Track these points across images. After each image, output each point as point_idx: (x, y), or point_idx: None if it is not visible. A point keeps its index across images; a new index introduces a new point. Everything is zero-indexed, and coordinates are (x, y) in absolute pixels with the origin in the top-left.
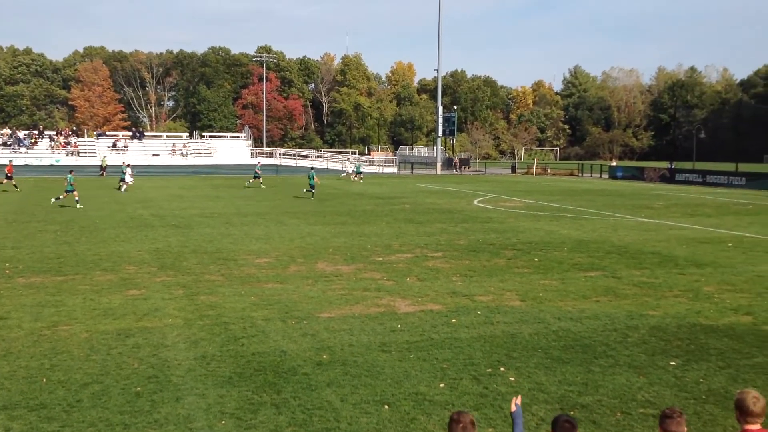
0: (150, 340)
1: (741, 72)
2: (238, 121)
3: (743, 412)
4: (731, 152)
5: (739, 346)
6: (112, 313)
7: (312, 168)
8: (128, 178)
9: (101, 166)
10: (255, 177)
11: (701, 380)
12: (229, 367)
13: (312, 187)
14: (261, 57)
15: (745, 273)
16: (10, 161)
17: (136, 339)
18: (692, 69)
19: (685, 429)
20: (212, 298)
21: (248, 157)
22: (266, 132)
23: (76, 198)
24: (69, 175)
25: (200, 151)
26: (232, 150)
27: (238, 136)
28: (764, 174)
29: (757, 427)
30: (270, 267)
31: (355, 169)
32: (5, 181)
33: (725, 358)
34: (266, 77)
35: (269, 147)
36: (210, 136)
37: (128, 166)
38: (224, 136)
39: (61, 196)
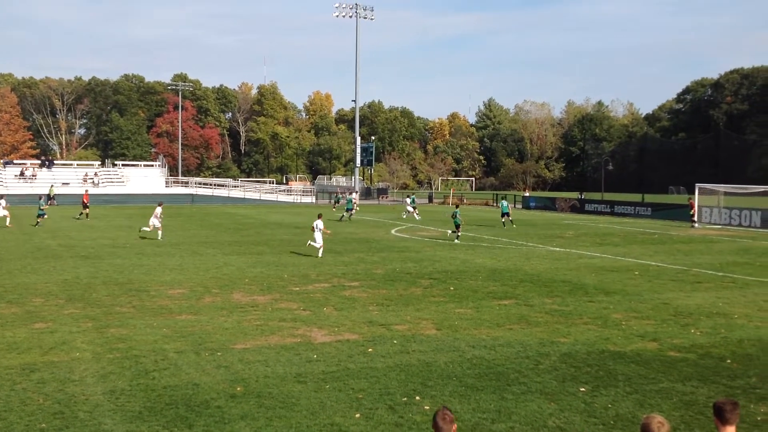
0: (56, 375)
1: (646, 106)
2: (152, 150)
3: None
4: (637, 183)
5: (645, 371)
6: (16, 347)
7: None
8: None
9: (49, 195)
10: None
11: (609, 406)
12: (139, 402)
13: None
14: (177, 85)
15: (651, 300)
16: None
17: (42, 374)
18: (600, 103)
19: None
20: (122, 331)
21: (163, 186)
22: (182, 161)
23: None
24: (40, 200)
25: (112, 180)
26: (146, 179)
27: (152, 165)
28: (669, 204)
29: None
30: (184, 298)
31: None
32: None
33: (632, 383)
34: (182, 105)
35: (185, 176)
36: (123, 165)
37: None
38: (138, 165)
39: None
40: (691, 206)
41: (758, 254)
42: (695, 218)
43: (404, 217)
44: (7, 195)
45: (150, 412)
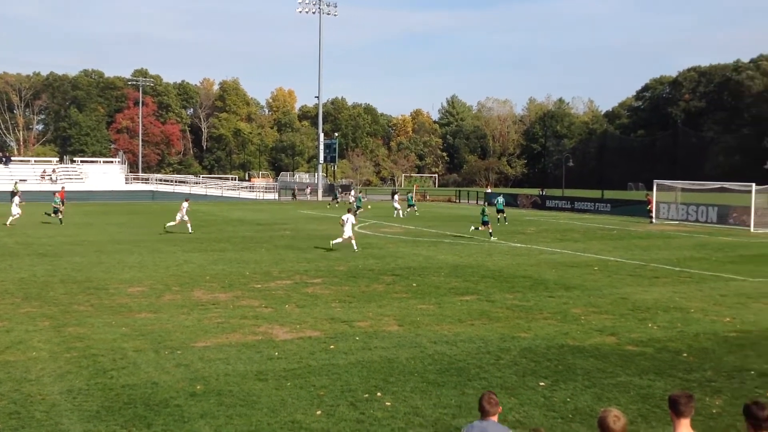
0: (12, 375)
1: (606, 104)
2: (112, 146)
3: (604, 431)
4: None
5: (603, 365)
6: None
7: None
8: (14, 209)
9: (13, 191)
10: None
11: (568, 399)
12: (96, 401)
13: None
14: (137, 81)
15: (610, 295)
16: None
17: None
18: (561, 101)
19: None
20: (80, 330)
21: (123, 183)
22: (142, 157)
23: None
24: (55, 197)
25: (71, 177)
26: (105, 175)
27: (112, 161)
28: (628, 201)
29: None
30: (143, 296)
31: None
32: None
33: (591, 377)
34: (142, 101)
35: (145, 172)
36: (82, 161)
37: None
38: (97, 161)
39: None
40: (649, 202)
41: (714, 249)
42: (653, 214)
43: (403, 216)
44: None
45: (108, 412)
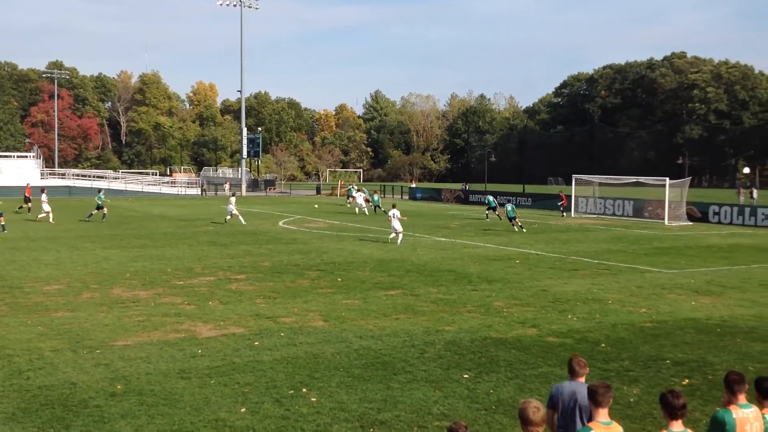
0: None
1: (526, 100)
2: (26, 140)
3: (525, 422)
4: (518, 175)
5: (525, 357)
6: None
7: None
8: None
9: None
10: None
11: (491, 391)
12: (12, 403)
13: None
14: (52, 73)
15: (531, 288)
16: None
17: None
18: (482, 96)
19: None
20: None
21: (38, 179)
22: (58, 152)
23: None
24: (100, 194)
25: None
26: (19, 170)
27: (26, 156)
28: (548, 195)
29: None
30: (60, 294)
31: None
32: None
33: (513, 369)
34: (58, 94)
35: (62, 167)
36: None
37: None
38: (11, 156)
39: (93, 212)
40: (562, 197)
41: (630, 242)
42: (563, 209)
43: (361, 211)
44: None
45: (24, 413)
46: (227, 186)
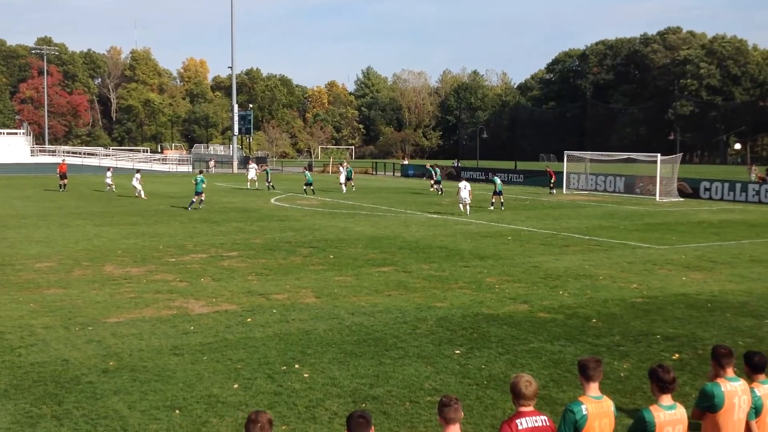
0: None
1: (518, 76)
2: (16, 117)
3: (517, 396)
4: (510, 151)
5: (517, 332)
6: None
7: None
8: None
9: None
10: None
11: (483, 366)
12: (4, 380)
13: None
14: (41, 49)
15: (523, 264)
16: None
17: None
18: (475, 72)
19: (462, 414)
20: None
21: (28, 156)
22: (48, 129)
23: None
24: (199, 176)
25: None
26: (9, 148)
27: (16, 133)
28: (539, 171)
29: (530, 408)
30: (52, 271)
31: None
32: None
33: (505, 344)
34: (47, 70)
35: (52, 144)
36: None
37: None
38: (1, 133)
39: (194, 199)
40: (550, 174)
41: (622, 218)
42: (552, 185)
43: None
44: None
45: (17, 390)
46: (212, 163)
